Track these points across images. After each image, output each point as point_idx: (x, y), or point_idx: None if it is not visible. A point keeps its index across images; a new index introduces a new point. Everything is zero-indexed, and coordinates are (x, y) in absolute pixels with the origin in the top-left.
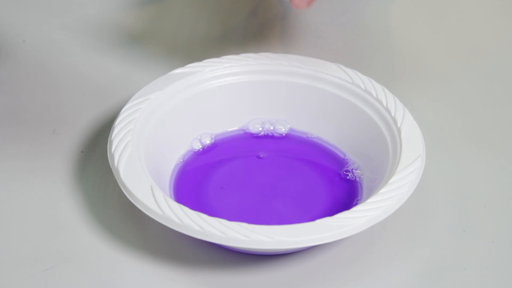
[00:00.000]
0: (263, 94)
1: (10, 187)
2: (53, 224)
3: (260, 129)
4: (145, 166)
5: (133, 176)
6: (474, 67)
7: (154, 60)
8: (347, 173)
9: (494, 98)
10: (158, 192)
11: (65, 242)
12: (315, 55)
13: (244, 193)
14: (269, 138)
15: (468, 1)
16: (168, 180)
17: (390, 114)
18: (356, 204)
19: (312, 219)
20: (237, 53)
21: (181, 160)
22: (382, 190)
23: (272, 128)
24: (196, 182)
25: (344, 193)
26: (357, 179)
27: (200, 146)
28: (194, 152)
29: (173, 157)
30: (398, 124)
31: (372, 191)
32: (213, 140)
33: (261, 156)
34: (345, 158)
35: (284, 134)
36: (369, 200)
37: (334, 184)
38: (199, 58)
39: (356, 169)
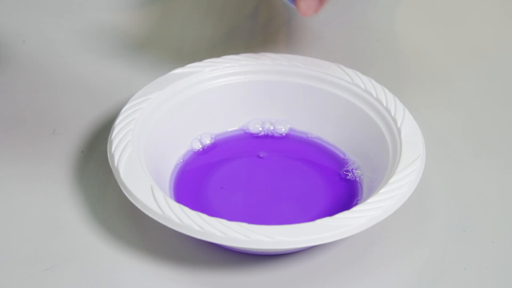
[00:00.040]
0: (263, 94)
1: (10, 187)
2: (53, 224)
3: (260, 129)
4: (145, 166)
5: (133, 176)
6: (474, 67)
7: (154, 60)
8: (347, 173)
9: (494, 98)
10: (158, 192)
11: (65, 242)
12: (315, 55)
13: (244, 193)
14: (269, 138)
15: (469, 4)
16: (168, 180)
17: (390, 114)
18: (356, 204)
19: (312, 219)
20: (237, 53)
21: (181, 160)
22: (382, 190)
23: (272, 128)
24: (196, 182)
25: (344, 193)
26: (357, 179)
27: (200, 146)
28: (194, 152)
29: (173, 157)
30: (398, 124)
31: (372, 191)
32: (213, 140)
33: (261, 156)
34: (345, 158)
35: (284, 134)
36: (369, 200)
37: (334, 184)
38: (199, 58)
39: (356, 169)
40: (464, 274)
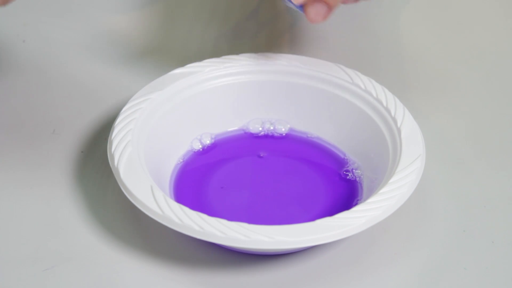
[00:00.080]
0: (263, 94)
1: (10, 187)
2: (53, 224)
3: (260, 129)
4: (145, 166)
5: (133, 176)
6: (474, 67)
7: (154, 60)
8: (347, 173)
9: (494, 98)
10: (158, 192)
11: (65, 242)
12: (315, 55)
13: (244, 193)
14: (269, 138)
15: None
16: (168, 180)
17: (390, 114)
18: (356, 204)
19: (312, 219)
20: (237, 53)
21: (181, 160)
22: (382, 190)
23: (272, 128)
24: (196, 182)
25: (344, 193)
26: (357, 179)
27: (200, 146)
28: (194, 152)
29: (173, 157)
30: (398, 124)
31: (372, 191)
32: (213, 140)
33: (261, 156)
34: (345, 158)
35: (284, 134)
36: (369, 200)
37: (334, 184)
38: (199, 58)
39: (356, 169)
40: (464, 274)
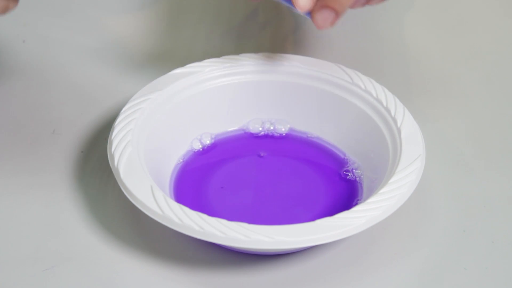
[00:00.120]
0: (263, 94)
1: (10, 187)
2: (53, 224)
3: (260, 129)
4: (145, 166)
5: (133, 176)
6: (474, 68)
7: (154, 60)
8: (347, 173)
9: (494, 98)
10: (158, 192)
11: (65, 242)
12: (315, 55)
13: (244, 193)
14: (269, 138)
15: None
16: (168, 180)
17: (390, 114)
18: (356, 204)
19: (312, 219)
20: (237, 53)
21: (181, 160)
22: (382, 190)
23: (272, 128)
24: (196, 182)
25: (344, 193)
26: (357, 179)
27: (200, 146)
28: (194, 152)
29: (173, 157)
30: (398, 124)
31: (372, 191)
32: (213, 140)
33: (262, 155)
34: (345, 158)
35: (284, 134)
36: (369, 200)
37: (334, 184)
38: (199, 58)
39: (356, 169)
40: (464, 274)
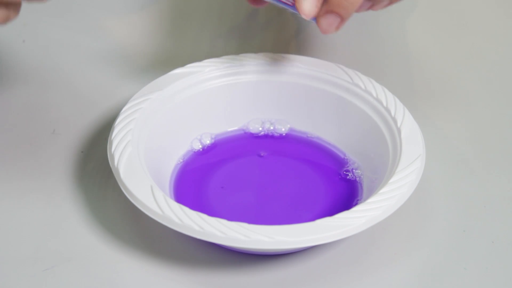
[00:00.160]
0: (263, 94)
1: (10, 187)
2: (53, 224)
3: (260, 129)
4: (145, 166)
5: (133, 176)
6: (474, 68)
7: (154, 60)
8: (347, 173)
9: (494, 97)
10: (158, 192)
11: (65, 242)
12: (315, 55)
13: (244, 193)
14: (269, 138)
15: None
16: (168, 180)
17: (390, 114)
18: (356, 204)
19: (312, 219)
20: (237, 53)
21: (181, 160)
22: (382, 190)
23: (272, 128)
24: (196, 182)
25: (344, 193)
26: (357, 179)
27: (200, 146)
28: (194, 152)
29: (173, 157)
30: (398, 124)
31: (372, 191)
32: (213, 140)
33: (262, 155)
34: (345, 158)
35: (284, 134)
36: (369, 200)
37: (334, 184)
38: (199, 58)
39: (356, 169)
40: (464, 274)
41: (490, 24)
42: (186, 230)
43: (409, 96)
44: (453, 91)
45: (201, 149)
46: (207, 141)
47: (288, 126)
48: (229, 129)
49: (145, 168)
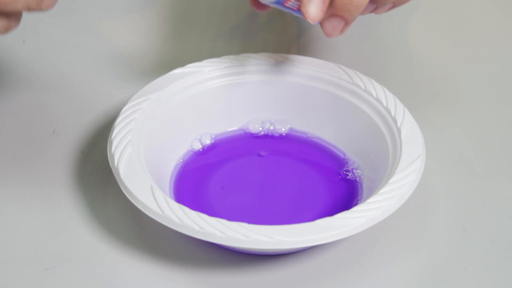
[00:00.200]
0: (263, 94)
1: (10, 187)
2: (53, 224)
3: (260, 129)
4: (145, 166)
5: (133, 176)
6: (473, 68)
7: (154, 60)
8: (347, 173)
9: (494, 97)
10: (158, 192)
11: (65, 242)
12: (315, 55)
13: (244, 193)
14: (269, 138)
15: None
16: (168, 180)
17: (390, 114)
18: (356, 204)
19: (312, 219)
20: (237, 53)
21: (181, 160)
22: (382, 190)
23: (272, 128)
24: (196, 182)
25: (344, 193)
26: (357, 179)
27: (200, 146)
28: (194, 152)
29: (173, 157)
30: (398, 124)
31: (372, 191)
32: (213, 140)
33: (262, 155)
34: (345, 158)
35: (284, 134)
36: (369, 200)
37: (334, 184)
38: (199, 58)
39: (356, 169)
40: (464, 274)
41: (490, 25)
42: (186, 230)
43: (409, 96)
44: (453, 91)
45: (201, 149)
46: (207, 141)
47: (288, 126)
48: (229, 129)
49: (145, 168)
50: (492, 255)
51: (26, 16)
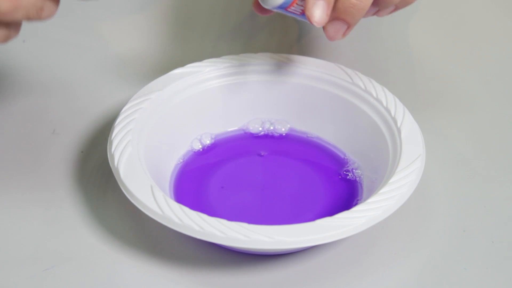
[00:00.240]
0: (263, 94)
1: (10, 187)
2: (53, 224)
3: (260, 129)
4: (145, 166)
5: (133, 176)
6: (474, 68)
7: (154, 60)
8: (347, 173)
9: (495, 98)
10: (158, 192)
11: (65, 242)
12: (315, 55)
13: (244, 193)
14: (269, 138)
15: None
16: (168, 180)
17: (390, 114)
18: (356, 204)
19: (312, 219)
20: (237, 53)
21: (181, 160)
22: (382, 190)
23: (272, 128)
24: (196, 182)
25: (344, 193)
26: (357, 179)
27: (200, 146)
28: (194, 152)
29: (173, 157)
30: (398, 124)
31: (372, 191)
32: (213, 140)
33: (262, 154)
34: (345, 158)
35: (284, 134)
36: (369, 200)
37: (334, 184)
38: (199, 58)
39: (356, 169)
40: (464, 274)
41: (490, 25)
42: (186, 230)
43: (409, 96)
44: (453, 91)
45: (201, 149)
46: (207, 141)
47: (288, 126)
48: (229, 129)
49: (145, 168)
50: (492, 255)
51: None
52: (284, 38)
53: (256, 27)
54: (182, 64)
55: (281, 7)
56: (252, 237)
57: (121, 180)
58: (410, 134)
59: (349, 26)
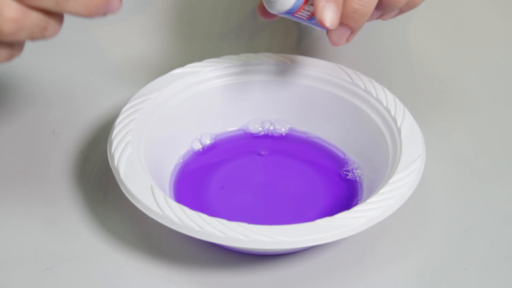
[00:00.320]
0: (263, 94)
1: (10, 187)
2: (53, 224)
3: (260, 129)
4: (145, 166)
5: (133, 176)
6: (474, 68)
7: (154, 60)
8: (347, 173)
9: (495, 98)
10: (158, 192)
11: (65, 242)
12: (315, 55)
13: (244, 193)
14: (269, 138)
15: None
16: (168, 180)
17: (390, 114)
18: (356, 204)
19: (312, 219)
20: (237, 53)
21: (181, 160)
22: (382, 190)
23: (272, 128)
24: (196, 182)
25: (344, 193)
26: (357, 179)
27: (200, 146)
28: (194, 152)
29: (173, 157)
30: (398, 124)
31: (372, 191)
32: (213, 140)
33: (262, 154)
34: (345, 158)
35: (284, 134)
36: (369, 200)
37: (334, 184)
38: (199, 58)
39: (356, 169)
40: (464, 274)
41: (490, 26)
42: (186, 230)
43: (409, 96)
44: (453, 91)
45: (201, 149)
46: (207, 141)
47: (288, 126)
48: (229, 129)
49: (145, 168)
50: (492, 255)
51: None
52: (285, 38)
53: (257, 28)
54: (182, 64)
55: (289, 12)
56: (252, 237)
57: (121, 180)
58: (410, 134)
59: (352, 31)
